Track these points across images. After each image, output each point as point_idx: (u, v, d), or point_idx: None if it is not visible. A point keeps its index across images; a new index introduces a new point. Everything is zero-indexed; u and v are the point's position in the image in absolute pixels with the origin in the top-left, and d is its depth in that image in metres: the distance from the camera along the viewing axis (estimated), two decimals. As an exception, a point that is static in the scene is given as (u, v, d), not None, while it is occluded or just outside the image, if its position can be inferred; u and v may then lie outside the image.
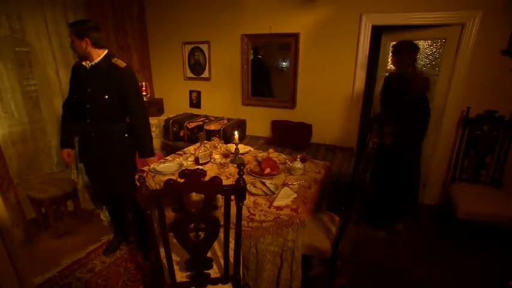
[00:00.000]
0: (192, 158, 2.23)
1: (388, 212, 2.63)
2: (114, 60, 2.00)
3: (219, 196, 1.62)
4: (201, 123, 3.41)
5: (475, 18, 2.49)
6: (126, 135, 2.13)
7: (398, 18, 2.72)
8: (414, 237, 2.61)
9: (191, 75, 3.85)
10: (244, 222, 1.61)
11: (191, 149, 2.47)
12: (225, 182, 1.57)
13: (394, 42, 2.52)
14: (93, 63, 1.97)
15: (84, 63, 1.98)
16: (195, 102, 3.96)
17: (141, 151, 2.16)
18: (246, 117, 3.63)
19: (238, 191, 1.24)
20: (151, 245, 1.36)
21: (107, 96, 1.98)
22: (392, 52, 2.47)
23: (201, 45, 3.65)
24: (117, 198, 2.24)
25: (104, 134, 2.06)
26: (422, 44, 3.00)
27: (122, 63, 2.00)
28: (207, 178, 1.20)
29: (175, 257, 1.48)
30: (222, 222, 1.30)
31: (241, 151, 2.34)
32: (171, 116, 3.71)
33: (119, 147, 2.12)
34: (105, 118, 2.04)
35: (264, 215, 1.62)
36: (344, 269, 2.19)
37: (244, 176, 1.27)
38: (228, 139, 3.14)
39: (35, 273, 2.09)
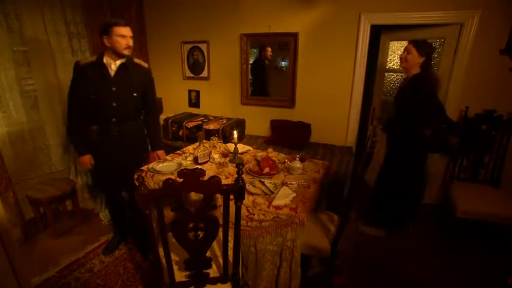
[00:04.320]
0: (191, 158, 2.23)
1: (398, 214, 2.55)
2: (136, 59, 2.11)
3: (218, 196, 1.62)
4: (200, 122, 3.41)
5: (474, 18, 2.49)
6: (144, 131, 2.27)
7: (397, 18, 2.72)
8: (413, 236, 2.61)
9: (190, 74, 3.84)
10: (243, 222, 1.61)
11: (190, 148, 2.47)
12: (224, 182, 1.57)
13: (403, 42, 2.36)
14: (120, 62, 2.01)
15: (107, 61, 1.97)
16: (194, 102, 3.95)
17: (154, 145, 2.31)
18: (245, 116, 3.63)
19: (237, 190, 1.24)
20: (150, 245, 1.36)
21: (135, 94, 2.10)
22: (425, 52, 2.20)
23: (200, 45, 3.65)
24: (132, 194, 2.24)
25: (127, 131, 2.12)
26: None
27: (144, 63, 2.17)
28: (206, 178, 1.20)
29: (174, 257, 1.48)
30: (221, 222, 1.30)
31: (240, 150, 2.33)
32: (170, 115, 3.71)
33: (140, 143, 2.24)
34: (130, 116, 2.13)
35: (263, 215, 1.62)
36: (343, 268, 2.19)
37: (243, 176, 1.27)
38: (227, 138, 3.14)
39: (34, 273, 2.09)
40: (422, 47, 2.20)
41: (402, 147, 2.37)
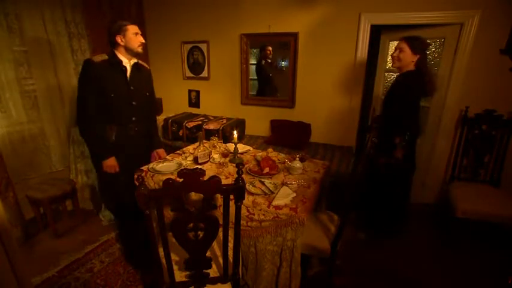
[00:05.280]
0: (191, 158, 2.23)
1: (382, 215, 2.54)
2: (140, 61, 2.13)
3: (218, 196, 1.62)
4: (200, 122, 3.41)
5: (474, 18, 2.49)
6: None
7: (397, 18, 2.72)
8: (413, 236, 2.61)
9: (190, 74, 3.84)
10: (243, 222, 1.61)
11: (190, 148, 2.47)
12: (224, 182, 1.57)
13: (397, 39, 2.15)
14: (134, 61, 2.04)
15: (123, 59, 1.98)
16: (194, 102, 3.95)
17: (156, 143, 2.34)
18: (245, 116, 3.63)
19: (237, 190, 1.24)
20: (150, 245, 1.36)
21: (148, 93, 2.17)
22: (419, 49, 2.09)
23: (200, 45, 3.65)
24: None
25: (143, 131, 2.16)
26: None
27: (146, 65, 2.21)
28: (206, 177, 1.20)
29: (174, 257, 1.47)
30: (221, 222, 1.30)
31: (240, 150, 2.33)
32: (170, 115, 3.71)
33: (151, 142, 2.29)
34: (146, 114, 2.17)
35: (263, 215, 1.62)
36: (343, 268, 2.19)
37: (243, 176, 1.27)
38: (227, 138, 3.14)
39: (34, 273, 2.09)
40: (415, 44, 2.07)
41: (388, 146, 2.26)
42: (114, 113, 2.00)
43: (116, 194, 2.21)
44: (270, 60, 3.43)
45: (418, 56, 2.11)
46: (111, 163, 2.02)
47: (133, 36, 1.94)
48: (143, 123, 2.15)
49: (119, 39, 1.93)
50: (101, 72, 1.91)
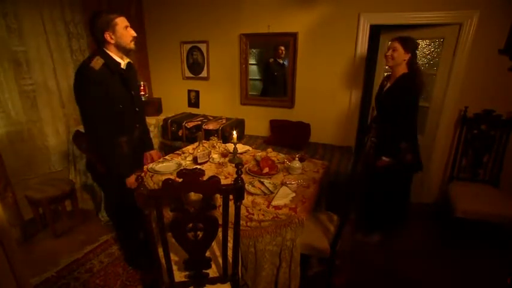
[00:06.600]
0: (190, 158, 2.23)
1: (383, 215, 2.52)
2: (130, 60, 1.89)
3: (218, 196, 1.62)
4: (199, 122, 3.41)
5: (473, 18, 2.49)
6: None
7: (397, 18, 2.72)
8: (412, 236, 2.61)
9: (189, 74, 3.84)
10: (242, 222, 1.61)
11: (189, 148, 2.46)
12: (223, 182, 1.57)
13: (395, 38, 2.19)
14: (127, 61, 1.81)
15: (119, 60, 1.75)
16: (194, 102, 3.95)
17: (149, 145, 2.22)
18: (244, 116, 3.63)
19: (237, 190, 1.24)
20: (150, 245, 1.36)
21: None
22: (410, 48, 2.14)
23: (199, 45, 3.64)
24: None
25: (145, 136, 2.09)
26: (420, 44, 3.00)
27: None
28: (205, 178, 1.20)
29: (173, 257, 1.47)
30: (220, 222, 1.30)
31: (239, 150, 2.34)
32: (170, 115, 3.70)
33: (144, 144, 2.17)
34: (144, 119, 2.08)
35: (263, 215, 1.62)
36: (343, 268, 2.19)
37: (242, 176, 1.27)
38: (226, 139, 3.13)
39: (33, 273, 2.09)
40: (407, 43, 2.14)
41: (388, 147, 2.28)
42: (121, 124, 1.80)
43: (121, 204, 2.00)
44: (281, 61, 3.34)
45: (409, 55, 2.16)
46: (133, 179, 1.82)
47: (124, 30, 1.67)
48: (142, 128, 2.07)
49: (108, 36, 1.66)
50: (103, 81, 1.65)
